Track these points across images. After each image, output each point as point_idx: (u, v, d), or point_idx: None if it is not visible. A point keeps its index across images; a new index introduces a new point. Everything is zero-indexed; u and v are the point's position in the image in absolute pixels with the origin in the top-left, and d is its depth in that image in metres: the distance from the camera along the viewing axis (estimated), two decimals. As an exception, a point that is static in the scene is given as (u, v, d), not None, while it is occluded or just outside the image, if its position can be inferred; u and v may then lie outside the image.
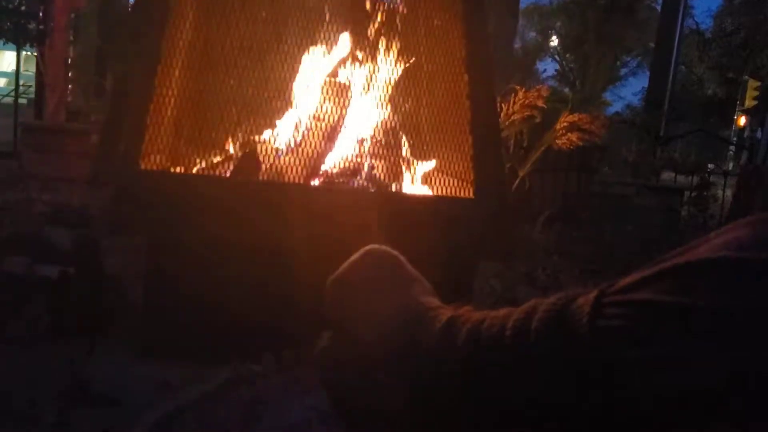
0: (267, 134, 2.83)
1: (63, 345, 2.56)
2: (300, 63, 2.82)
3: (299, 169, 2.68)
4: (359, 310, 0.75)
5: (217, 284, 2.47)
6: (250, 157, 2.67)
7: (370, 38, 2.92)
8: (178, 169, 2.68)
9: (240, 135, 2.78)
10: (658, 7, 17.13)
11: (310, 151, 2.73)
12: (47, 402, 2.16)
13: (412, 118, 3.02)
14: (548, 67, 28.08)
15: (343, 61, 2.90)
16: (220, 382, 2.28)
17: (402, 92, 2.97)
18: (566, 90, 21.56)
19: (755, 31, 16.74)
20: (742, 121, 21.82)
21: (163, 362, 2.41)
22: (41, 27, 7.87)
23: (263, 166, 2.66)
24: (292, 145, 2.77)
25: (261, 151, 2.71)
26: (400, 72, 2.93)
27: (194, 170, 2.72)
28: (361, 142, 2.87)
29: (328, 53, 2.87)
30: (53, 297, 2.72)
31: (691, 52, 22.54)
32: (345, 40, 2.89)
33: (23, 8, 7.71)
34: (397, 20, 2.96)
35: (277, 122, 2.85)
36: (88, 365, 2.39)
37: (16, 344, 2.56)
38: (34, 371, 2.34)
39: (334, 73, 2.88)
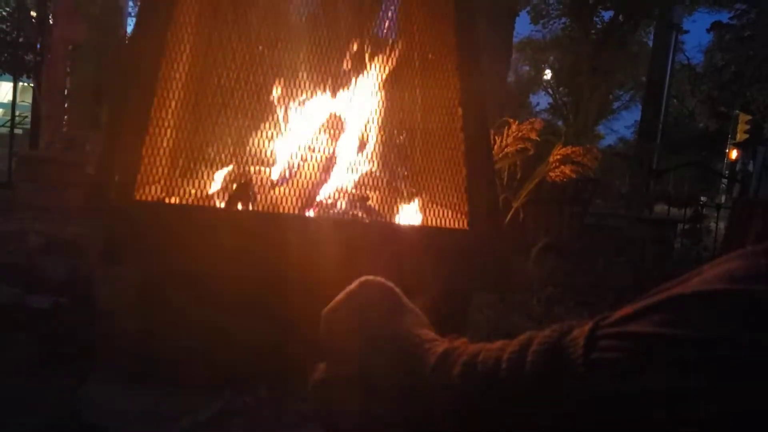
0: (262, 165, 2.84)
1: (54, 375, 2.54)
2: (295, 95, 2.85)
3: (294, 199, 2.68)
4: (354, 342, 0.75)
5: (210, 314, 2.46)
6: (245, 187, 2.68)
7: (367, 71, 2.95)
8: (173, 200, 2.69)
9: (235, 166, 2.79)
10: (650, 42, 17.37)
11: (304, 182, 2.74)
12: (37, 433, 2.14)
13: (406, 150, 3.04)
14: (541, 100, 28.34)
15: (339, 94, 2.92)
16: (213, 414, 2.26)
17: (397, 124, 2.99)
18: (559, 123, 21.72)
19: (745, 66, 16.94)
20: (734, 154, 22.01)
21: (155, 392, 2.39)
22: (38, 58, 7.92)
23: (258, 197, 2.67)
24: (287, 176, 2.78)
25: (256, 182, 2.72)
26: (395, 104, 2.95)
27: (189, 201, 2.73)
28: (356, 173, 2.88)
29: (324, 86, 2.90)
30: (45, 327, 2.70)
31: (683, 86, 22.81)
32: (341, 73, 2.92)
33: (21, 39, 7.75)
34: (393, 54, 2.99)
35: (272, 153, 2.86)
36: (80, 395, 2.37)
37: (6, 374, 2.54)
38: (25, 401, 2.32)
39: (329, 106, 2.90)
